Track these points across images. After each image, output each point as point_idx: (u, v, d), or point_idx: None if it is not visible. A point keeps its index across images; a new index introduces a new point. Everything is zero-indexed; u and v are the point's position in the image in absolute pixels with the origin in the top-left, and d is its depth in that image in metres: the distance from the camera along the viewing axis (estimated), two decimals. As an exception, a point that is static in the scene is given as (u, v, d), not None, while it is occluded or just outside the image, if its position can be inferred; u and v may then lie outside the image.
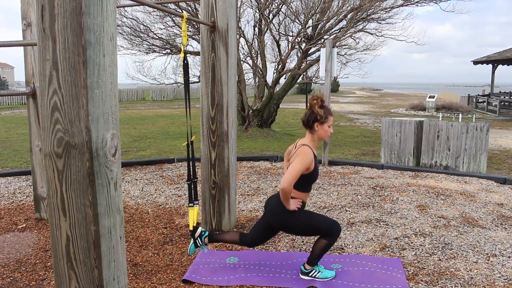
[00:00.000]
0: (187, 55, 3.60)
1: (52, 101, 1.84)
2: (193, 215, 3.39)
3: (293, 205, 3.03)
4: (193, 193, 3.46)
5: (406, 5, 11.04)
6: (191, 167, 3.46)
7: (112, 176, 1.95)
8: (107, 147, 1.90)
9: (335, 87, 47.06)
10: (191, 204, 3.41)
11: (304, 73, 12.43)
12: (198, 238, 3.36)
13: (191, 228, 3.38)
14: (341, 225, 4.33)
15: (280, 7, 11.29)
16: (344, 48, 11.98)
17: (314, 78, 12.83)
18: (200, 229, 3.39)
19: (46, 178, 1.94)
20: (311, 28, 11.20)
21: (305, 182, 3.05)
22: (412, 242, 3.92)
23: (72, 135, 1.84)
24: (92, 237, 1.90)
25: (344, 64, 12.30)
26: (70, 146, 1.85)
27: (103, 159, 1.89)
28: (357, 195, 5.49)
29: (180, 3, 10.30)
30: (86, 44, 1.78)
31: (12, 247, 3.82)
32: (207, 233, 3.40)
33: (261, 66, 11.78)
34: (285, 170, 3.19)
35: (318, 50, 10.94)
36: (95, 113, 1.84)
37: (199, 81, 5.48)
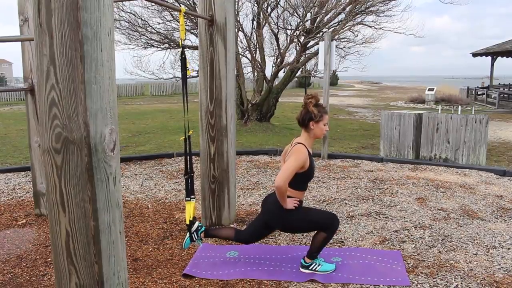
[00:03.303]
0: (185, 49, 3.58)
1: (50, 96, 1.83)
2: (190, 209, 3.39)
3: (290, 204, 3.03)
4: (190, 188, 3.46)
5: (404, -3, 10.98)
6: (188, 162, 3.46)
7: (111, 171, 1.94)
8: (106, 142, 1.89)
9: (334, 80, 46.98)
10: (188, 199, 3.42)
11: (303, 67, 12.39)
12: (194, 233, 3.36)
13: (187, 222, 3.38)
14: (340, 218, 4.36)
15: (278, 0, 11.24)
16: (343, 41, 11.94)
17: (313, 72, 12.79)
18: (197, 223, 3.39)
19: (45, 174, 1.93)
20: (309, 21, 11.16)
21: (301, 180, 3.06)
22: (411, 235, 3.93)
23: (71, 130, 1.83)
24: (91, 232, 1.90)
25: (343, 57, 12.27)
26: (69, 142, 1.84)
27: (102, 154, 1.88)
28: (356, 188, 5.50)
29: (178, -3, 10.24)
30: (83, 39, 1.77)
31: (13, 243, 3.82)
32: (203, 228, 3.41)
33: (259, 60, 11.74)
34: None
35: (317, 43, 10.90)
36: (93, 108, 1.83)
37: (197, 76, 5.48)
